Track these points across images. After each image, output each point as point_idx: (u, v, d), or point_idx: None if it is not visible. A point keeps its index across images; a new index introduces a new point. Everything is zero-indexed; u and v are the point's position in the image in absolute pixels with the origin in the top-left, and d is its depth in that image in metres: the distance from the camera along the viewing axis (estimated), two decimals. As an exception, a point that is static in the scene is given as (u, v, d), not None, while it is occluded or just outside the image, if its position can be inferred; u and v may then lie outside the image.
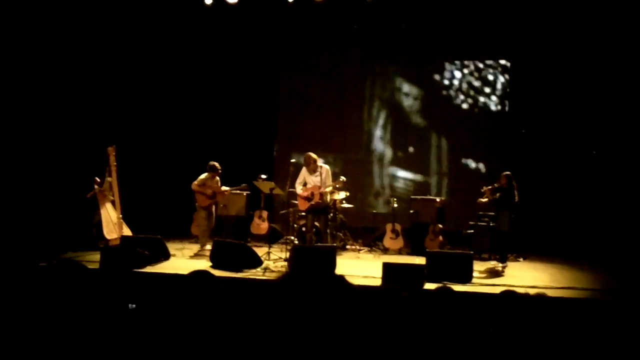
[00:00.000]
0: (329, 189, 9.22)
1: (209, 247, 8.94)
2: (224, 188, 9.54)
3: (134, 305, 3.24)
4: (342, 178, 9.36)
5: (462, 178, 11.63)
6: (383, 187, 11.98)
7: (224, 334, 2.44)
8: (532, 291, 3.24)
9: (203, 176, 9.41)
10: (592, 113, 10.47)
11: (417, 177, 11.90)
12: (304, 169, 9.35)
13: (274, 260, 8.51)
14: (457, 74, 11.71)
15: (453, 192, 11.57)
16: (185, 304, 2.69)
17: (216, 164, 9.41)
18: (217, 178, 9.47)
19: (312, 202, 9.05)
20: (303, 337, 1.55)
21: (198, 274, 2.85)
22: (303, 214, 9.90)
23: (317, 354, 1.53)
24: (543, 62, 10.86)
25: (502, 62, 11.49)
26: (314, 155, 9.31)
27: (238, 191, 9.81)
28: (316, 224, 9.28)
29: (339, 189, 9.28)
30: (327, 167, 9.39)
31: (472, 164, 11.65)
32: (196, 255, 9.05)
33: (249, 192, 10.57)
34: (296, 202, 9.98)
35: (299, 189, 9.32)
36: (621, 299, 6.72)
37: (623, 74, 10.12)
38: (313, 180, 9.15)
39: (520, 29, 10.86)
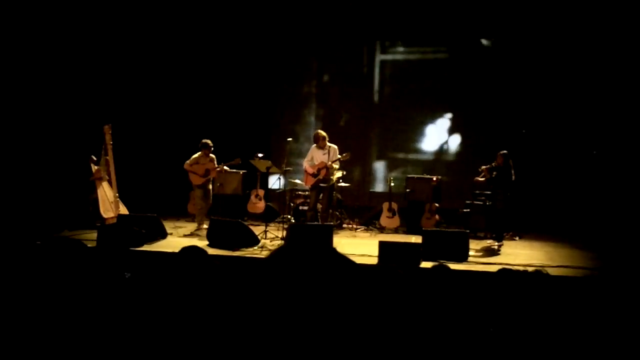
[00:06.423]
0: (337, 165, 9.30)
1: (206, 225, 8.93)
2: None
3: (129, 274, 3.24)
4: (344, 154, 9.32)
5: (459, 157, 11.63)
6: (380, 167, 11.97)
7: (217, 311, 2.44)
8: (528, 269, 3.25)
9: (196, 155, 9.40)
10: (588, 99, 10.43)
11: (414, 156, 11.88)
12: (313, 147, 9.48)
13: (270, 238, 8.54)
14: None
15: (450, 170, 11.56)
16: (177, 281, 2.68)
17: (208, 141, 9.39)
18: (212, 156, 9.45)
19: (319, 177, 9.17)
20: (296, 311, 1.54)
21: (188, 250, 2.84)
22: (300, 192, 9.93)
23: (310, 329, 1.53)
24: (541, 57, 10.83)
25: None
26: (323, 133, 9.42)
27: (231, 166, 9.71)
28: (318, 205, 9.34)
29: (345, 158, 9.26)
30: (335, 146, 9.44)
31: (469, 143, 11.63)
32: (192, 234, 9.04)
33: (245, 171, 10.54)
34: (294, 181, 9.99)
35: (307, 165, 9.43)
36: (614, 276, 6.77)
37: (619, 66, 10.11)
38: (321, 157, 9.28)
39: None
